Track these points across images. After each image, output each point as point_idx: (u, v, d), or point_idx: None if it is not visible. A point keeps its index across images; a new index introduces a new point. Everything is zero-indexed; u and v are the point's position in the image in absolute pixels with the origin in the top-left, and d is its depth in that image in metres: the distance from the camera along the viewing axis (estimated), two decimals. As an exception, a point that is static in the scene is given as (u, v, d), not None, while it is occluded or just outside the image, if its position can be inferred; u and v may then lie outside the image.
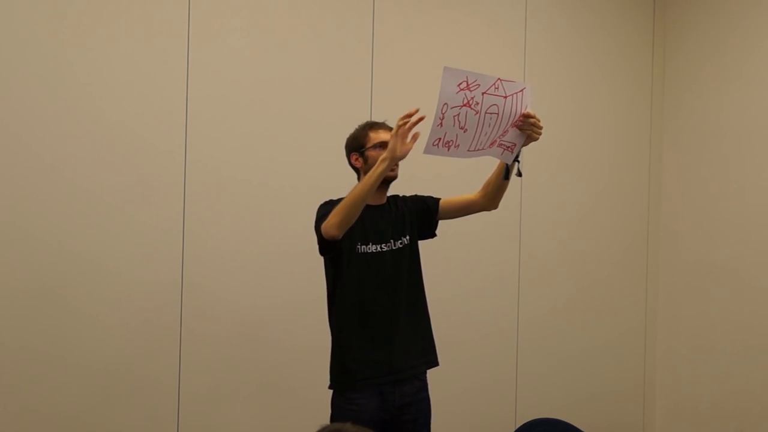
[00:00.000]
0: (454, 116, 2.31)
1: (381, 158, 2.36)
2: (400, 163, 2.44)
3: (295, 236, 3.22)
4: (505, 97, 2.37)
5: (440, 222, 2.72)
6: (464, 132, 2.35)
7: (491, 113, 2.36)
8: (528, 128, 2.44)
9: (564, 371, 4.01)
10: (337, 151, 3.33)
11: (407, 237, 2.61)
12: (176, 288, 3.01)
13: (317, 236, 2.48)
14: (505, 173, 2.56)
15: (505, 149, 2.47)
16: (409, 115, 2.31)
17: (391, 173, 2.53)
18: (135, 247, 2.93)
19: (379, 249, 2.55)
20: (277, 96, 3.21)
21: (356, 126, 2.64)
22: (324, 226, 2.40)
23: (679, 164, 4.24)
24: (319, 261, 3.31)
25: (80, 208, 2.83)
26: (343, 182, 3.34)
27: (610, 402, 4.20)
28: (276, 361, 3.21)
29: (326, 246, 2.48)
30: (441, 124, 2.30)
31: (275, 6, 3.23)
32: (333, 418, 2.55)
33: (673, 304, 4.26)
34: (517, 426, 2.95)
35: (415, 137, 2.34)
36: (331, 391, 2.59)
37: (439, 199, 2.70)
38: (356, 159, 2.59)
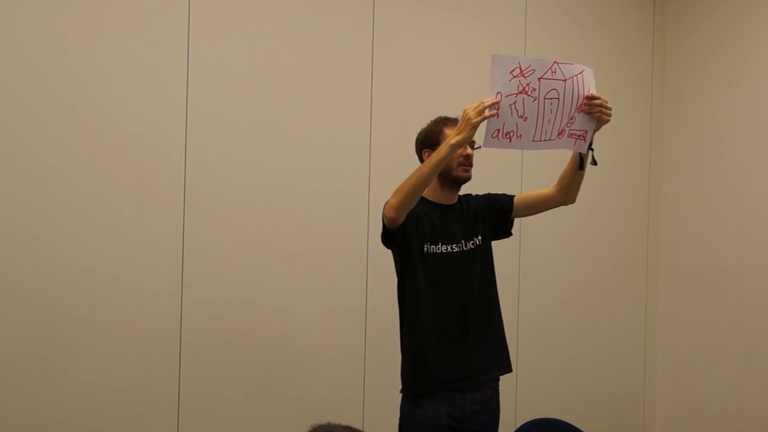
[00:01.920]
0: (510, 105, 2.23)
1: (449, 143, 2.25)
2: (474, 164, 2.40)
3: (296, 238, 3.22)
4: (564, 81, 2.29)
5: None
6: (525, 121, 2.27)
7: (551, 98, 2.27)
8: (596, 111, 2.33)
9: (564, 371, 4.01)
10: (338, 151, 3.32)
11: (479, 237, 2.52)
12: (176, 290, 3.00)
13: (382, 226, 2.40)
14: (579, 163, 2.45)
15: (577, 138, 2.37)
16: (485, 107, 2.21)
17: (465, 174, 2.47)
18: (134, 249, 2.92)
19: (449, 249, 2.46)
20: (277, 96, 3.21)
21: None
22: (385, 208, 2.31)
23: (679, 165, 4.24)
24: (320, 263, 3.32)
25: (79, 209, 2.82)
26: (343, 183, 3.35)
27: (610, 402, 4.20)
28: (277, 364, 3.21)
29: (388, 235, 2.38)
30: (497, 113, 2.22)
31: (275, 6, 3.23)
32: (401, 425, 2.49)
33: (672, 305, 4.26)
34: (517, 426, 2.94)
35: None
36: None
37: (513, 197, 2.61)
38: (428, 156, 2.41)
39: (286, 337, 3.22)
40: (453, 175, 2.46)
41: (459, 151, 2.40)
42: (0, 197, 2.71)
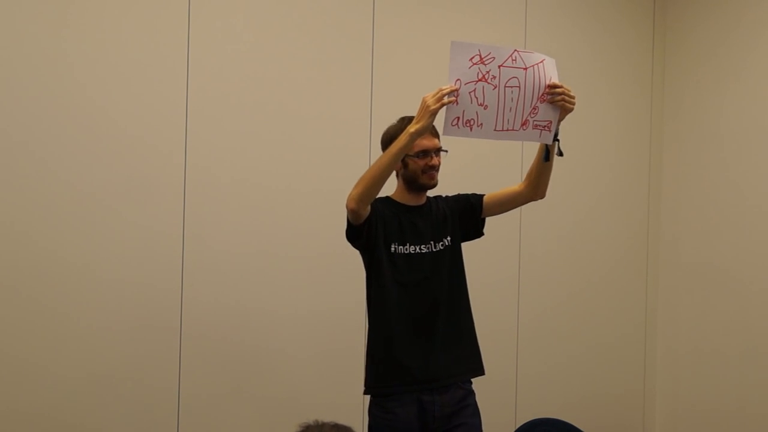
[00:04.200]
0: (469, 92, 2.24)
1: (408, 131, 2.23)
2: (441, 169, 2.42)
3: (296, 238, 3.23)
4: (525, 69, 2.29)
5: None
6: (485, 109, 2.27)
7: (512, 87, 2.28)
8: (559, 99, 2.33)
9: (564, 371, 4.01)
10: (338, 152, 3.32)
11: (448, 238, 2.51)
12: (176, 291, 3.01)
13: (346, 221, 2.38)
14: (545, 155, 2.43)
15: (542, 129, 2.36)
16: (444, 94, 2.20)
17: (430, 181, 2.46)
18: (134, 250, 2.93)
19: (417, 250, 2.45)
20: (277, 97, 3.21)
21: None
22: (347, 200, 2.30)
23: (679, 165, 4.24)
24: (320, 263, 3.32)
25: (79, 210, 2.83)
26: (344, 183, 3.34)
27: (610, 403, 4.20)
28: (277, 364, 3.21)
29: (352, 231, 2.37)
30: (456, 101, 2.22)
31: (275, 7, 3.23)
32: (370, 427, 2.47)
33: (672, 306, 4.26)
34: (517, 426, 2.95)
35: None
36: (368, 397, 2.50)
37: (483, 196, 2.58)
38: None
39: (287, 337, 3.22)
40: (419, 182, 2.46)
41: (424, 161, 2.42)
42: (0, 199, 2.71)
